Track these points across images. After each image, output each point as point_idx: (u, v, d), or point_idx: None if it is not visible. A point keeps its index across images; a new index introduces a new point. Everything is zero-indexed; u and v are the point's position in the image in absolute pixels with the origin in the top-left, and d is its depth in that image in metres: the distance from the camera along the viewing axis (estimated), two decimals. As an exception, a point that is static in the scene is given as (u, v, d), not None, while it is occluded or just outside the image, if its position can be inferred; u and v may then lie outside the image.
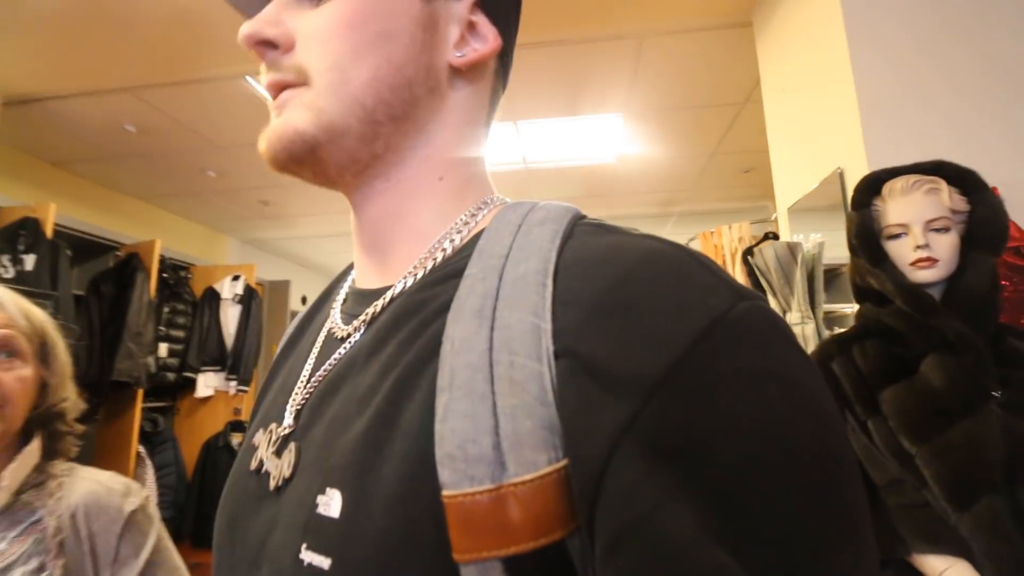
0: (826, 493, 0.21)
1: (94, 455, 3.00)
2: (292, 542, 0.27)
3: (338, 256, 5.48)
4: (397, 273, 0.35)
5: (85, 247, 3.26)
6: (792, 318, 1.65)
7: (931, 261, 0.87)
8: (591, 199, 4.15)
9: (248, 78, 2.38)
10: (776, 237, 2.62)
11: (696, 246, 3.23)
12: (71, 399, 0.75)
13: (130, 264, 3.17)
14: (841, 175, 1.34)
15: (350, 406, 0.30)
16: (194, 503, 3.30)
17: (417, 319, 0.30)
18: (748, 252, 2.98)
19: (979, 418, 0.76)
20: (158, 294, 3.37)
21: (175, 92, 2.48)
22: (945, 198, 0.89)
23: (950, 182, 0.91)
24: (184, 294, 3.69)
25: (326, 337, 0.37)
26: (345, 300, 0.39)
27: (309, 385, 0.34)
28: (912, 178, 0.92)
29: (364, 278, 0.37)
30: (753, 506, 0.20)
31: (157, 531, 0.73)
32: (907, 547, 0.76)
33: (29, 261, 2.47)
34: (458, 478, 0.23)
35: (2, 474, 0.66)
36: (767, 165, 1.96)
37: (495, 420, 0.23)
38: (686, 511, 0.19)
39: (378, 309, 0.33)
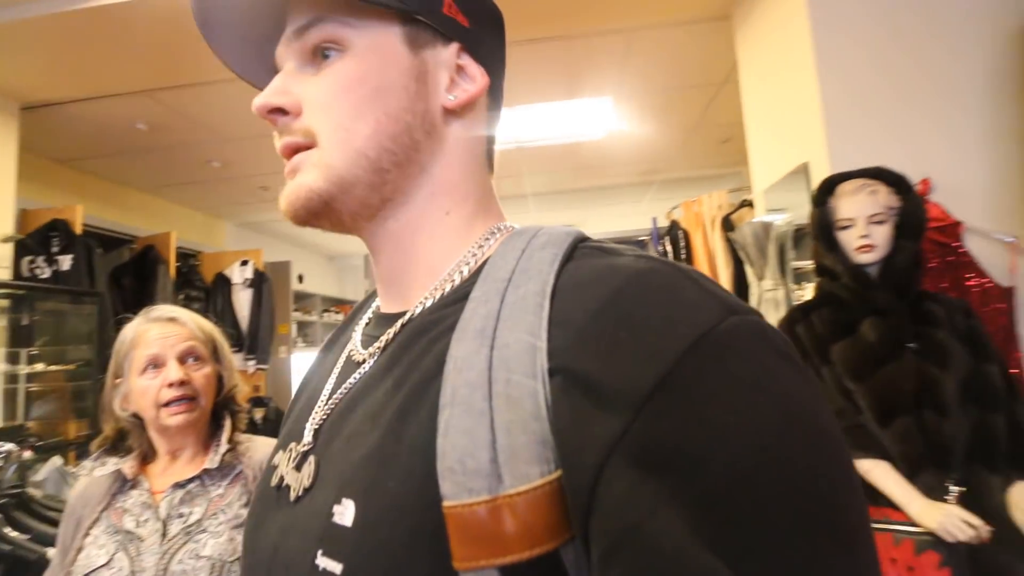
0: (817, 501, 0.21)
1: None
2: (309, 548, 0.29)
3: (332, 235, 5.62)
4: (414, 300, 0.37)
5: (101, 242, 3.39)
6: (766, 284, 1.96)
7: (870, 247, 1.15)
8: (579, 171, 4.37)
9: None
10: (751, 204, 2.91)
11: (679, 214, 3.51)
12: (239, 384, 1.00)
13: (148, 256, 3.33)
14: (807, 168, 1.61)
15: (365, 422, 0.32)
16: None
17: (426, 339, 0.32)
18: (726, 219, 3.28)
19: (899, 363, 1.06)
20: (173, 282, 3.54)
21: (185, 92, 2.60)
22: (883, 198, 1.17)
23: (887, 184, 1.19)
24: (196, 281, 3.86)
25: (346, 360, 0.40)
26: (368, 323, 0.42)
27: (328, 405, 0.37)
28: (858, 182, 1.19)
29: (386, 303, 0.40)
30: (743, 514, 0.20)
31: None
32: (847, 455, 1.07)
33: (65, 262, 2.62)
34: (458, 490, 0.24)
35: (219, 440, 0.93)
36: (742, 136, 2.22)
37: (492, 435, 0.24)
38: (677, 519, 0.20)
39: (391, 336, 0.36)
